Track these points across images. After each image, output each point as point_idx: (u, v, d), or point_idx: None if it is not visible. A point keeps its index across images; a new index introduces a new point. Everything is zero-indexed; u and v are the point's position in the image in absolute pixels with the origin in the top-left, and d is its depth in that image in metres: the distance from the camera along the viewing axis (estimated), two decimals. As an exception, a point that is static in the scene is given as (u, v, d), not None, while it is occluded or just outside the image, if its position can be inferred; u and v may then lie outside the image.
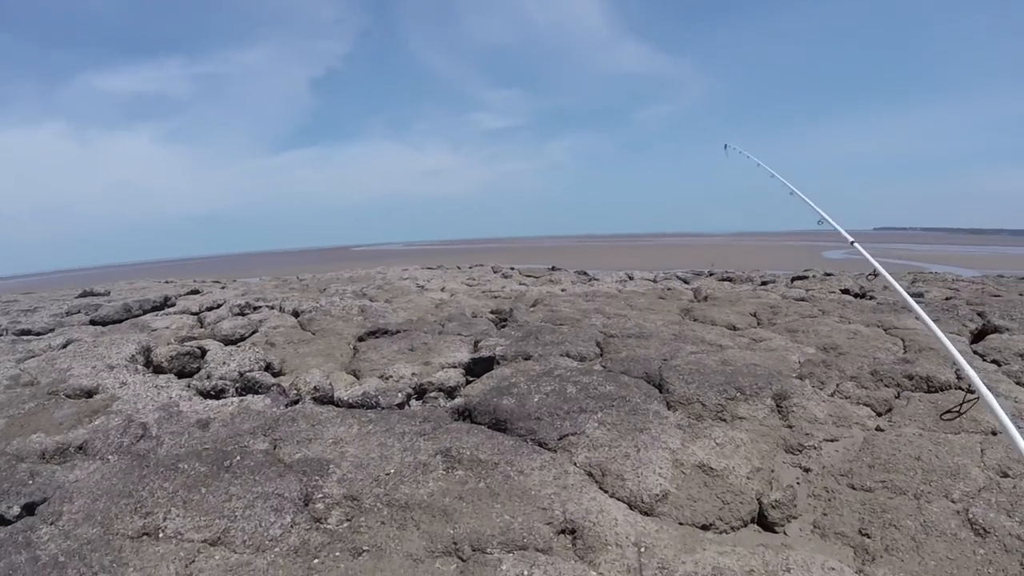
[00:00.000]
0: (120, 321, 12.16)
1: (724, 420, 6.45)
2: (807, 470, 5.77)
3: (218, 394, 7.43)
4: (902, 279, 21.31)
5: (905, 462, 5.52)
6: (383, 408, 6.78)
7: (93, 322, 12.01)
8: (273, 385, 7.44)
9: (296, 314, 12.48)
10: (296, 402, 7.10)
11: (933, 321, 6.99)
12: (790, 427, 6.44)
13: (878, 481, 5.32)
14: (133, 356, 8.67)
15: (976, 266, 39.91)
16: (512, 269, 25.20)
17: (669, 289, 16.24)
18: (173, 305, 14.23)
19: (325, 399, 7.15)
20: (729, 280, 20.75)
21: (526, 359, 8.30)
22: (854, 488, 5.31)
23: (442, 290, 16.85)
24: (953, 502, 4.90)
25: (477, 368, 8.24)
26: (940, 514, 4.75)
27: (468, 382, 7.87)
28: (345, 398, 6.92)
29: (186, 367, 8.66)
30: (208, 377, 7.93)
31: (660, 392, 6.94)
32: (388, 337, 10.04)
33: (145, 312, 13.09)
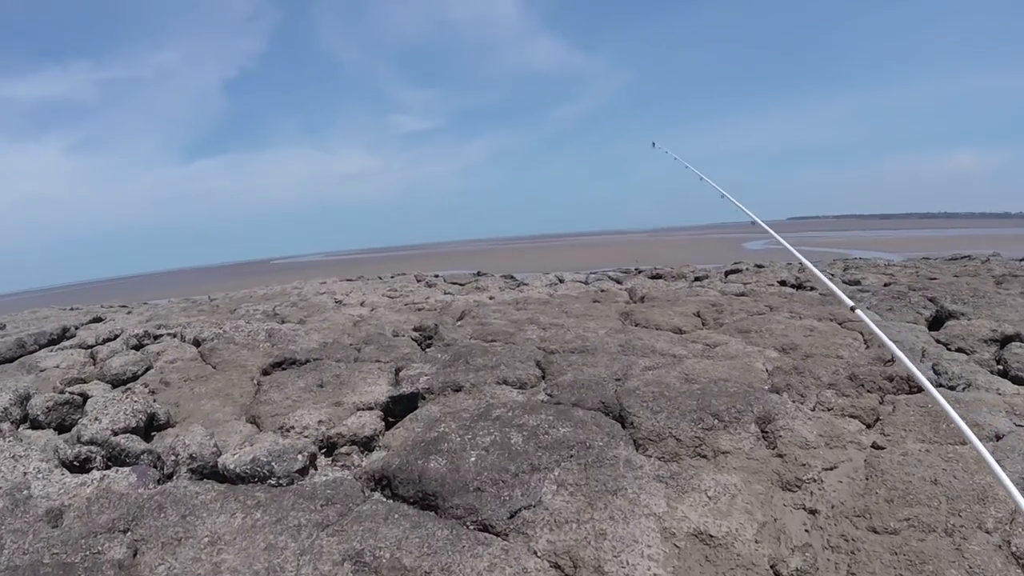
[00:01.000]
0: (12, 359, 10.72)
1: (705, 457, 5.18)
2: (814, 512, 4.59)
3: (83, 464, 5.86)
4: (832, 267, 20.76)
5: (923, 489, 4.49)
6: (279, 480, 5.29)
7: (-17, 361, 10.74)
8: (143, 452, 5.89)
9: (197, 343, 10.94)
10: (171, 476, 5.61)
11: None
12: (781, 457, 5.25)
13: (902, 520, 4.24)
14: (5, 409, 7.08)
15: (897, 249, 40.21)
16: (436, 277, 23.99)
17: (603, 291, 15.09)
18: (72, 336, 12.55)
19: (206, 470, 5.62)
20: (660, 277, 19.78)
21: (456, 390, 6.91)
22: (876, 532, 4.23)
23: (361, 304, 15.51)
24: (989, 533, 4.00)
25: (398, 408, 6.82)
26: (981, 552, 3.84)
27: (389, 424, 6.50)
28: (232, 466, 5.39)
29: (66, 419, 7.10)
30: (77, 439, 6.38)
31: (623, 427, 5.61)
32: (296, 369, 8.56)
33: (41, 347, 11.48)
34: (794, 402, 6.17)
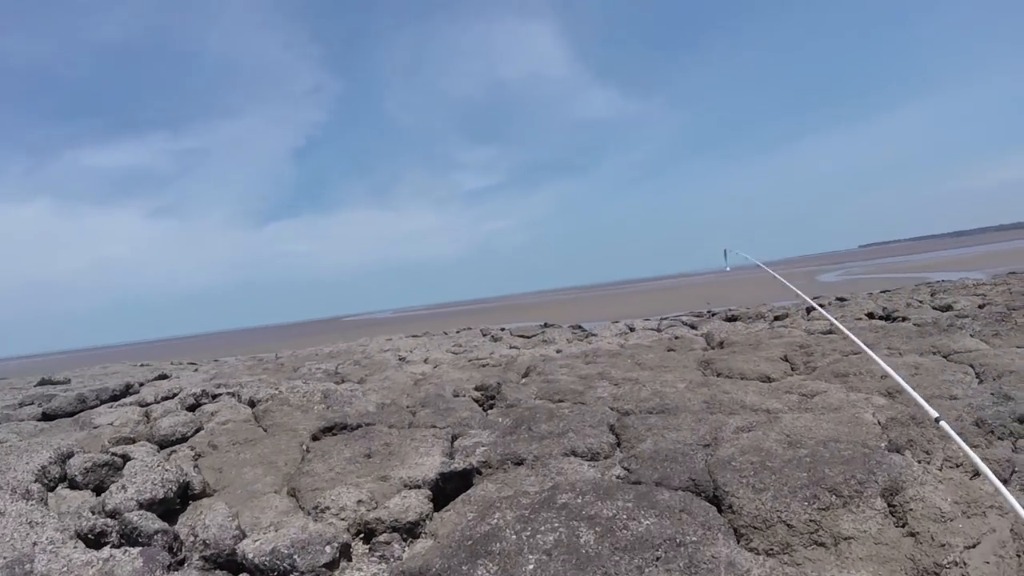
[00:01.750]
0: (74, 414, 10.55)
1: (824, 546, 4.11)
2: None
3: (98, 538, 5.12)
4: (917, 293, 19.32)
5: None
6: None
7: (45, 415, 10.71)
8: (157, 532, 5.08)
9: (252, 404, 10.38)
10: (183, 562, 4.80)
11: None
12: (914, 536, 4.18)
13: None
14: (44, 468, 6.46)
15: (978, 266, 38.07)
16: (502, 330, 23.19)
17: (677, 338, 14.01)
18: (135, 393, 12.16)
19: (221, 558, 4.77)
20: (736, 319, 18.59)
21: (517, 464, 5.93)
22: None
23: (425, 361, 14.84)
24: None
25: (448, 486, 5.87)
26: None
27: (439, 503, 5.58)
28: (251, 555, 4.54)
29: (105, 481, 6.48)
30: (102, 509, 5.66)
31: (720, 511, 4.56)
32: (346, 435, 7.77)
33: (102, 402, 11.22)
34: (920, 462, 5.07)
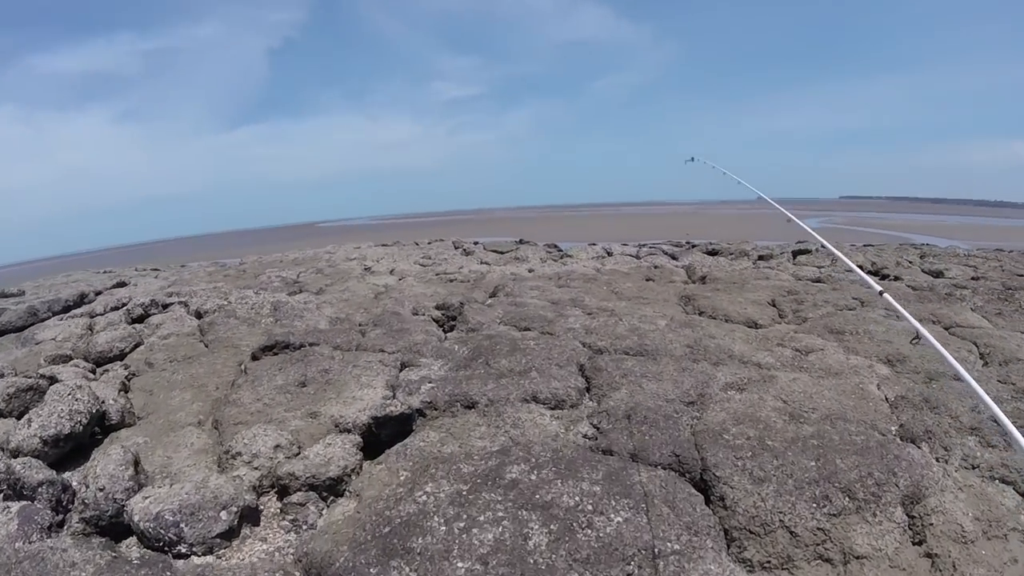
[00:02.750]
0: (22, 328, 9.76)
1: (831, 563, 3.24)
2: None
3: None
4: (904, 253, 18.55)
5: None
6: (191, 547, 3.50)
7: (-7, 330, 9.95)
8: (41, 484, 4.13)
9: (199, 315, 9.55)
10: (61, 524, 3.88)
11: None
12: (931, 559, 3.37)
13: None
14: None
15: (961, 237, 37.41)
16: (476, 244, 22.19)
17: (656, 267, 13.12)
18: (90, 302, 11.36)
19: (103, 520, 3.84)
20: (717, 253, 17.73)
21: (468, 408, 5.01)
22: None
23: (391, 272, 13.93)
24: None
25: (384, 431, 4.94)
26: None
27: (371, 452, 4.68)
28: (137, 518, 3.61)
29: (29, 408, 5.52)
30: (5, 448, 4.72)
31: (708, 502, 3.68)
32: (286, 355, 6.83)
33: (54, 314, 10.47)
34: (938, 460, 4.24)
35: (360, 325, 8.21)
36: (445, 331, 8.09)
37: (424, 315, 8.76)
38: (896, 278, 12.28)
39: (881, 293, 3.39)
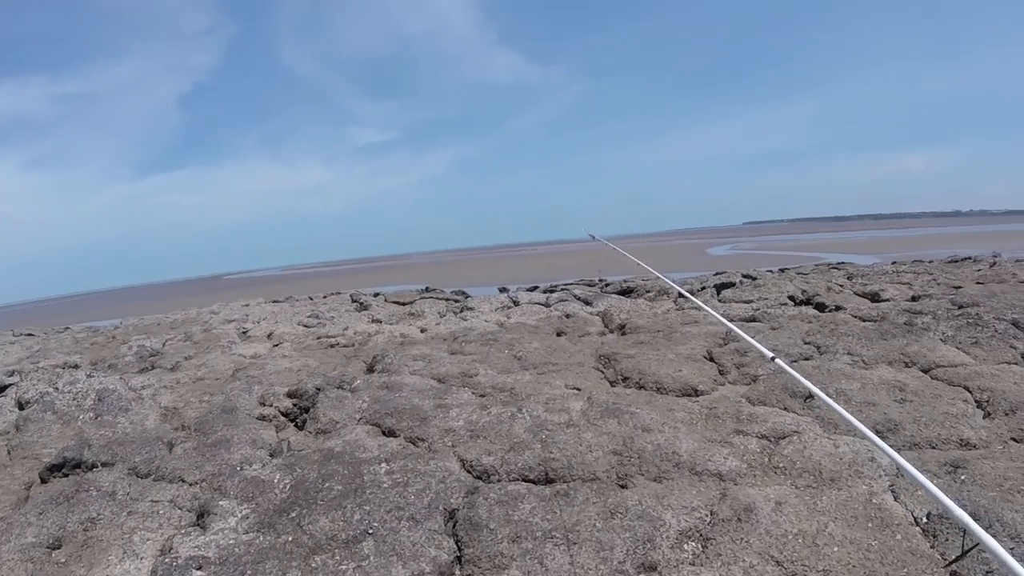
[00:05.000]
0: None
1: None
2: None
3: None
4: (828, 274, 17.27)
5: None
6: None
7: None
8: None
9: (21, 405, 7.73)
10: None
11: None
12: None
13: None
14: None
15: (870, 251, 37.13)
16: (376, 296, 20.15)
17: (568, 316, 11.23)
18: None
19: None
20: (632, 292, 16.02)
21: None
22: None
23: (268, 337, 11.92)
24: None
25: None
26: None
27: None
28: None
29: None
30: None
31: None
32: (72, 480, 4.76)
33: None
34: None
35: (182, 428, 6.10)
36: (296, 427, 6.15)
37: (271, 406, 6.67)
38: (837, 307, 10.67)
39: (773, 359, 3.17)
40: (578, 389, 6.26)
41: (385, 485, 4.08)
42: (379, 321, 13.44)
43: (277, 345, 10.91)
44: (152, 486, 4.63)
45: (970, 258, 21.17)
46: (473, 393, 6.29)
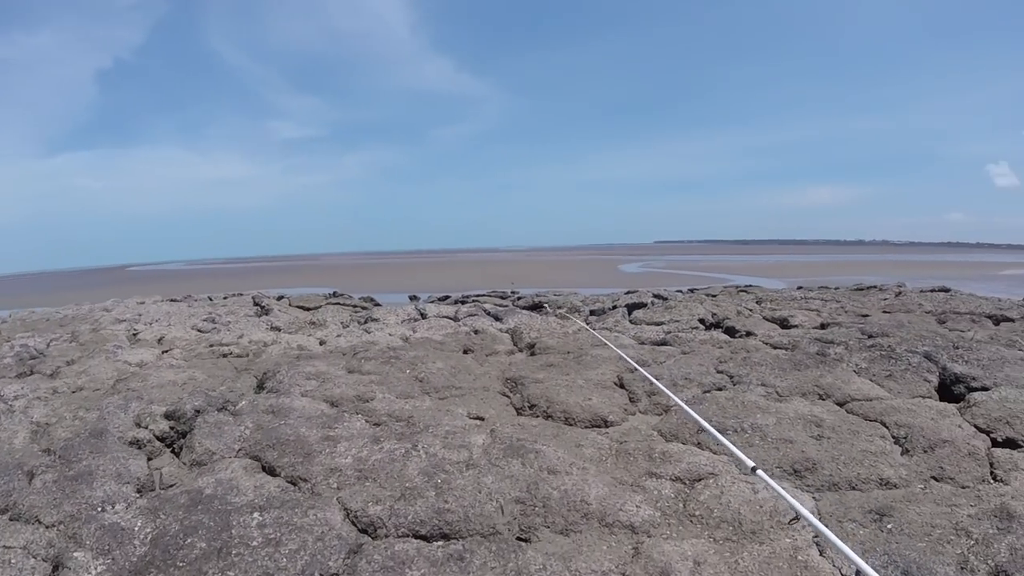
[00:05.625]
0: None
1: None
2: None
3: None
4: (737, 297, 17.32)
5: None
6: None
7: None
8: None
9: None
10: None
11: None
12: None
13: None
14: None
15: (774, 274, 37.94)
16: (280, 299, 19.32)
17: (477, 332, 10.79)
18: None
19: None
20: (543, 307, 15.70)
21: None
22: None
23: (159, 342, 11.09)
24: None
25: None
26: None
27: None
28: None
29: None
30: None
31: None
32: None
33: None
34: None
35: (48, 452, 5.39)
36: (173, 453, 5.63)
37: (146, 428, 5.99)
38: (748, 333, 10.53)
39: (754, 470, 3.03)
40: (481, 419, 5.82)
41: (255, 543, 3.53)
42: (278, 329, 12.74)
43: (167, 352, 10.15)
44: (6, 528, 3.96)
45: (876, 286, 21.64)
46: (367, 421, 5.76)
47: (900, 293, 18.88)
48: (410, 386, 7.03)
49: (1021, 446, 5.36)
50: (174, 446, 5.81)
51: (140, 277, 66.15)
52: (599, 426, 5.78)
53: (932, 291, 19.96)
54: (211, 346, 10.47)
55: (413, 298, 24.13)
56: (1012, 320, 12.88)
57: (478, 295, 21.28)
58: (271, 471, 4.78)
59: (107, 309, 17.30)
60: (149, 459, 5.47)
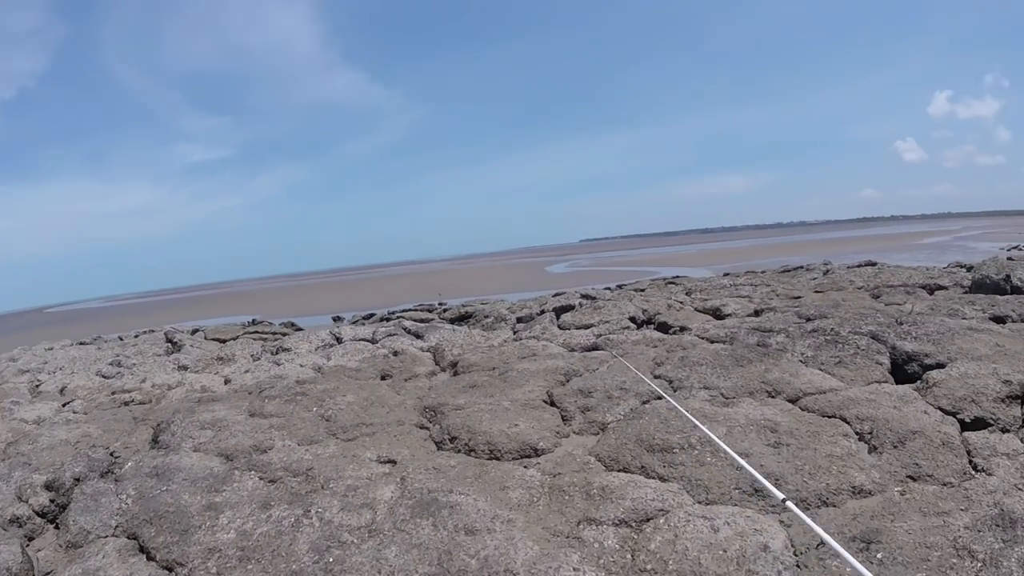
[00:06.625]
0: None
1: None
2: None
3: None
4: (666, 289, 16.90)
5: None
6: None
7: None
8: None
9: None
10: None
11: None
12: None
13: None
14: None
15: (701, 263, 37.93)
16: (196, 333, 18.32)
17: (396, 354, 9.94)
18: None
19: None
20: (470, 317, 14.98)
21: None
22: None
23: (61, 392, 10.33)
24: None
25: None
26: None
27: None
28: None
29: None
30: None
31: None
32: None
33: None
34: None
35: None
36: (56, 528, 4.83)
37: (26, 502, 5.13)
38: (682, 328, 9.97)
39: (784, 501, 2.54)
40: (393, 462, 5.01)
41: None
42: (184, 368, 11.74)
43: (68, 403, 9.32)
44: None
45: (802, 267, 21.55)
46: (261, 479, 4.90)
47: (828, 271, 18.74)
48: (315, 428, 6.16)
49: (992, 424, 5.01)
50: (57, 521, 4.93)
51: (56, 320, 63.00)
52: (528, 456, 5.04)
53: (859, 266, 20.00)
54: (113, 393, 9.70)
55: (337, 319, 23.22)
56: (945, 288, 12.68)
57: (404, 310, 20.60)
58: (147, 553, 3.97)
59: (13, 359, 16.27)
60: (31, 539, 4.76)
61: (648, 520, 3.57)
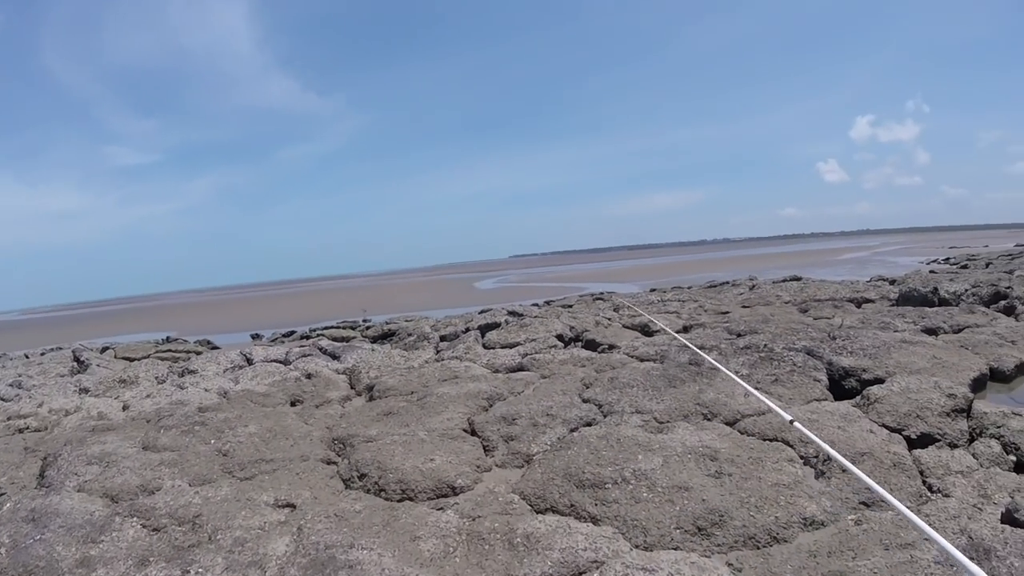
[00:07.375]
0: None
1: None
2: None
3: None
4: (595, 306, 16.60)
5: None
6: None
7: None
8: None
9: None
10: None
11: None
12: None
13: None
14: None
15: (628, 279, 37.85)
16: (106, 351, 17.15)
17: (309, 378, 9.27)
18: None
19: None
20: (392, 336, 14.35)
21: None
22: None
23: None
24: None
25: None
26: None
27: None
28: None
29: None
30: None
31: None
32: None
33: None
34: None
35: None
36: None
37: None
38: (611, 346, 9.57)
39: (792, 422, 2.84)
40: (292, 507, 4.41)
41: None
42: (85, 391, 10.81)
43: None
44: None
45: (728, 282, 21.55)
46: (143, 526, 4.24)
47: (755, 286, 18.72)
48: (210, 464, 5.50)
49: (939, 440, 4.89)
50: None
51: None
52: (445, 495, 4.51)
53: (785, 281, 20.11)
54: (9, 419, 8.88)
55: (256, 336, 22.24)
56: (873, 300, 12.66)
57: (326, 327, 19.86)
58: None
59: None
60: None
61: (582, 575, 3.07)
